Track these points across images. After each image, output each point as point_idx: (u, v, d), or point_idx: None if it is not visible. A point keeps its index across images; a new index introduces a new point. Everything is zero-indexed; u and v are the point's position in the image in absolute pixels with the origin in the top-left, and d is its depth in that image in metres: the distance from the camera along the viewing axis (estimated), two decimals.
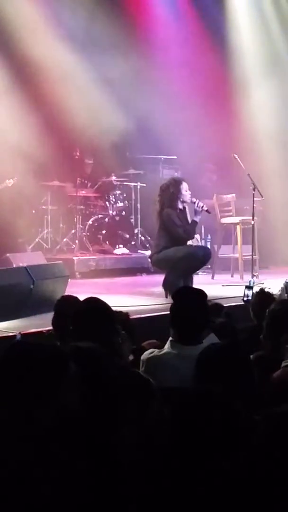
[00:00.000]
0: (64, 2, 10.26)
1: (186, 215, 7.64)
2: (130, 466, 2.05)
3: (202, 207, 7.50)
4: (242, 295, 6.42)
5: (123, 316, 4.09)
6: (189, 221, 7.59)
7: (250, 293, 5.91)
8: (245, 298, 5.99)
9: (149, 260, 7.90)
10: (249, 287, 6.05)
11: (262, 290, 5.34)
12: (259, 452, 1.95)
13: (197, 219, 7.57)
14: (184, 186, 7.53)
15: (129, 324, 4.08)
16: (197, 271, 8.48)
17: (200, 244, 9.12)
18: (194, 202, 7.51)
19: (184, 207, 7.60)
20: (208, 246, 10.21)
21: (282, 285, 6.29)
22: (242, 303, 6.38)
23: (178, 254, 7.28)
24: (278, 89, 11.21)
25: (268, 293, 5.23)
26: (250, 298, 5.76)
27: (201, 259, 7.56)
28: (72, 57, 10.40)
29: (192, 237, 7.54)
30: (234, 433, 1.95)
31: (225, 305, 6.08)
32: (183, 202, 7.54)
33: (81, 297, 4.33)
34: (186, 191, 7.53)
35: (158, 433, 2.12)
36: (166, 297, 7.16)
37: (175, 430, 2.01)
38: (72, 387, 2.28)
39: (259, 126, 11.22)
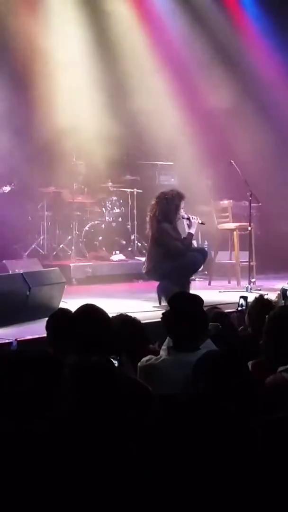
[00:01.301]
0: None
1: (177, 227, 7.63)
2: (129, 473, 2.05)
3: (197, 219, 7.54)
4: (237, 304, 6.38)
5: (132, 320, 4.05)
6: (180, 233, 7.57)
7: (244, 302, 5.88)
8: (239, 308, 5.97)
9: (144, 273, 7.86)
10: (243, 297, 6.02)
11: (261, 296, 5.33)
12: (257, 458, 1.95)
13: (192, 231, 7.56)
14: (184, 202, 7.54)
15: (139, 327, 4.04)
16: (194, 277, 8.51)
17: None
18: (188, 218, 7.52)
19: (178, 221, 7.59)
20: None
21: (279, 292, 6.29)
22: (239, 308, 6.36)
23: (172, 265, 7.29)
24: None
25: (267, 300, 5.23)
26: (244, 307, 5.74)
27: (196, 265, 7.60)
28: (65, 60, 10.44)
29: (189, 250, 7.52)
30: (229, 439, 1.95)
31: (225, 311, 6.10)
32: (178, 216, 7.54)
33: (78, 304, 4.32)
34: (182, 208, 7.53)
35: (156, 439, 2.12)
36: (160, 303, 7.15)
37: (172, 436, 2.01)
38: (66, 394, 2.27)
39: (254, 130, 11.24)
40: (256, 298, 5.26)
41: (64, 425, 2.16)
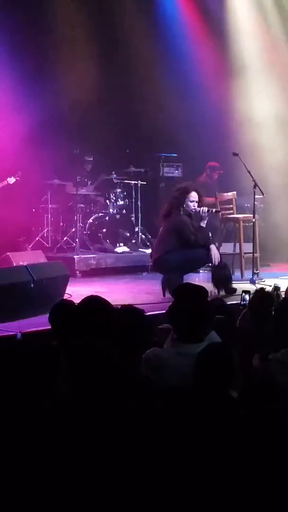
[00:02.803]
0: None
1: (193, 220, 7.61)
2: (130, 463, 2.06)
3: (208, 211, 7.51)
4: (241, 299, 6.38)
5: (137, 312, 4.05)
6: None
7: (247, 297, 5.89)
8: (242, 302, 5.97)
9: (150, 263, 7.87)
10: (246, 291, 6.02)
11: (261, 289, 5.35)
12: (258, 448, 1.96)
13: (203, 224, 7.55)
14: (191, 197, 7.51)
15: (144, 319, 4.04)
16: (198, 270, 8.52)
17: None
18: (199, 211, 7.49)
19: (189, 213, 7.57)
20: None
21: (272, 288, 6.30)
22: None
23: (179, 258, 7.29)
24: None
25: (268, 292, 5.24)
26: (247, 302, 5.75)
27: (200, 260, 7.62)
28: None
29: (201, 243, 7.51)
30: (231, 430, 1.96)
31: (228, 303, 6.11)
32: (185, 211, 7.52)
33: (82, 296, 4.34)
34: (191, 202, 7.50)
35: (158, 430, 2.13)
36: (164, 295, 7.16)
37: (175, 427, 2.02)
38: (64, 381, 2.29)
39: (260, 121, 11.22)
40: (256, 290, 5.27)
41: (62, 412, 2.17)
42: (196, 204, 7.51)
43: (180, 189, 7.58)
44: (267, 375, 2.98)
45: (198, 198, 7.56)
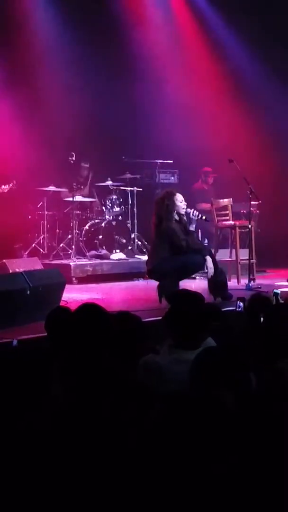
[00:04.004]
0: None
1: (184, 225, 7.59)
2: (128, 471, 2.06)
3: (198, 215, 7.50)
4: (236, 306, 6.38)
5: (133, 319, 4.04)
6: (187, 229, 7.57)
7: (241, 304, 5.90)
8: (237, 309, 5.98)
9: (147, 273, 7.86)
10: (240, 298, 6.04)
11: (257, 295, 5.36)
12: (256, 452, 1.96)
13: (192, 228, 7.54)
14: (178, 198, 7.50)
15: (140, 325, 4.03)
16: (194, 275, 8.52)
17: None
18: (189, 213, 7.49)
19: (180, 218, 7.56)
20: None
21: (272, 295, 6.30)
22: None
23: (175, 265, 7.29)
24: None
25: (263, 297, 5.25)
26: (242, 309, 5.76)
27: (196, 266, 7.62)
28: (66, 63, 10.48)
29: (193, 248, 7.49)
30: (229, 436, 1.96)
31: (222, 309, 6.11)
32: (178, 213, 7.51)
33: (78, 303, 4.34)
34: (180, 202, 7.50)
35: (156, 438, 2.13)
36: (160, 302, 7.16)
37: (172, 434, 2.02)
38: (57, 381, 2.28)
39: (256, 128, 11.27)
40: (252, 296, 5.28)
41: (58, 419, 2.17)
42: (185, 204, 7.52)
43: (166, 195, 7.57)
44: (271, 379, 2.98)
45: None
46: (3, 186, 9.53)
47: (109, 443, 2.17)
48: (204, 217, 7.65)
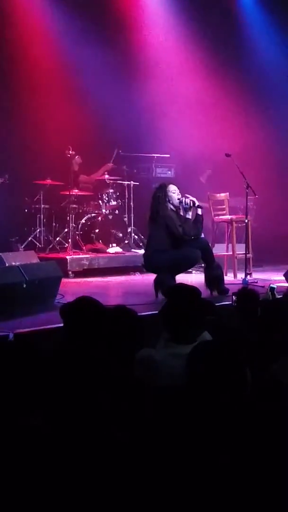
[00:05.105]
0: None
1: (180, 214, 7.59)
2: (123, 466, 2.06)
3: (191, 202, 7.48)
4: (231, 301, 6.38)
5: (129, 313, 4.03)
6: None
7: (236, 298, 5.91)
8: (233, 304, 5.98)
9: (143, 266, 7.85)
10: (235, 293, 6.04)
11: (245, 288, 5.37)
12: (250, 444, 1.96)
13: (188, 215, 7.52)
14: (171, 188, 7.49)
15: (136, 319, 4.03)
16: (191, 270, 8.52)
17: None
18: (182, 202, 7.48)
19: (176, 208, 7.55)
20: None
21: (268, 290, 6.31)
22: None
23: (171, 259, 7.29)
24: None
25: (251, 290, 5.27)
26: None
27: (192, 260, 7.61)
28: (65, 57, 10.46)
29: (189, 235, 7.48)
30: (225, 428, 1.96)
31: (218, 303, 6.13)
32: (172, 204, 7.51)
33: (74, 296, 4.33)
34: (173, 192, 7.49)
35: (151, 430, 2.13)
36: (156, 296, 7.16)
37: (168, 427, 2.02)
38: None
39: (252, 124, 11.27)
40: (239, 290, 5.30)
41: (55, 413, 2.17)
42: (179, 194, 7.51)
43: (158, 188, 7.61)
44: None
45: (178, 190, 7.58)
46: None
47: (106, 436, 2.17)
48: (197, 204, 7.61)
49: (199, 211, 7.57)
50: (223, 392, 2.17)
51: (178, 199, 7.46)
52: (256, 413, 2.12)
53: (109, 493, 2.01)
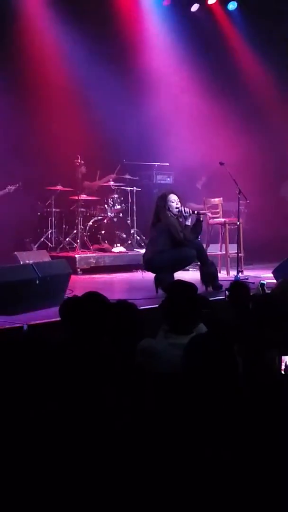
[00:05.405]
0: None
1: (180, 220, 7.58)
2: (124, 451, 2.04)
3: (189, 211, 7.50)
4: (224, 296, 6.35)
5: (131, 307, 4.01)
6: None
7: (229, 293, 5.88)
8: (226, 298, 5.97)
9: (143, 263, 7.82)
10: (228, 289, 6.02)
11: (237, 282, 5.35)
12: (243, 431, 1.94)
13: (188, 222, 7.55)
14: (171, 198, 7.50)
15: (138, 313, 4.00)
16: (188, 268, 8.50)
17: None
18: (181, 211, 7.48)
19: (176, 216, 7.55)
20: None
21: (259, 286, 6.29)
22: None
23: (169, 259, 7.29)
24: None
25: (243, 284, 5.25)
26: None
27: (188, 260, 7.61)
28: (76, 75, 10.44)
29: (189, 239, 7.48)
30: (219, 411, 1.94)
31: (212, 298, 6.11)
32: (171, 212, 7.50)
33: (82, 291, 4.32)
34: (172, 202, 7.49)
35: (152, 414, 2.11)
36: (156, 292, 7.14)
37: (167, 409, 2.00)
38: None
39: (243, 136, 11.25)
40: (231, 284, 5.28)
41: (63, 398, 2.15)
42: (178, 204, 7.51)
43: (160, 196, 7.63)
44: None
45: (178, 199, 7.56)
46: (9, 187, 9.59)
47: (106, 420, 2.15)
48: (196, 212, 7.63)
49: (201, 218, 7.62)
50: (217, 380, 2.15)
51: (177, 208, 7.47)
52: (248, 398, 2.11)
53: (113, 474, 1.99)
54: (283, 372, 3.16)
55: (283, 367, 3.21)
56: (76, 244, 10.10)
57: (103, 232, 10.37)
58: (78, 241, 10.05)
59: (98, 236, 10.36)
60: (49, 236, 10.36)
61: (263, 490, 1.86)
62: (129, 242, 10.65)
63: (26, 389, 2.16)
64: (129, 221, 10.80)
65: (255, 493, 1.85)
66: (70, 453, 2.00)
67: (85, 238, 10.24)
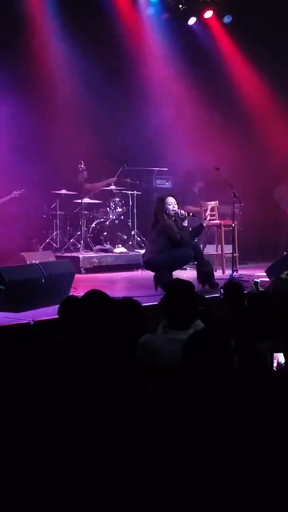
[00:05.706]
0: None
1: (178, 222, 7.58)
2: (126, 444, 2.03)
3: (185, 213, 7.50)
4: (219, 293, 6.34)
5: (134, 303, 4.00)
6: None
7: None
8: (222, 296, 5.96)
9: (143, 263, 7.82)
10: (223, 287, 6.01)
11: (231, 281, 5.35)
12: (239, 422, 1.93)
13: (185, 223, 7.55)
14: (168, 201, 7.50)
15: (139, 309, 3.99)
16: (185, 267, 8.50)
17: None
18: (177, 213, 7.49)
19: (174, 217, 7.55)
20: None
21: (252, 284, 6.28)
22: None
23: (168, 258, 7.29)
24: None
25: (237, 283, 5.25)
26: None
27: (186, 259, 7.62)
28: (81, 87, 10.44)
29: (186, 240, 7.48)
30: (216, 405, 1.94)
31: (208, 296, 6.11)
32: (168, 214, 7.51)
33: (86, 289, 4.32)
34: (169, 204, 7.49)
35: (152, 405, 2.11)
36: (156, 289, 7.14)
37: (166, 403, 2.00)
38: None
39: (238, 143, 11.25)
40: (226, 283, 5.28)
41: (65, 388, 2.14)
42: (175, 206, 7.51)
43: (158, 200, 7.66)
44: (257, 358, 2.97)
45: (176, 201, 7.56)
46: (15, 192, 9.61)
47: (107, 410, 2.14)
48: (191, 214, 7.64)
49: (203, 223, 7.67)
50: (215, 373, 2.15)
51: (173, 210, 7.47)
52: (243, 389, 2.10)
53: (113, 459, 1.99)
54: (275, 369, 3.15)
55: (275, 364, 3.20)
56: (79, 245, 10.10)
57: (105, 233, 10.36)
58: (82, 242, 10.05)
59: (101, 237, 10.36)
60: (54, 237, 10.36)
61: (260, 477, 1.85)
62: (130, 243, 10.65)
63: (32, 379, 2.16)
64: (129, 223, 10.80)
65: (253, 480, 1.85)
66: (75, 442, 2.00)
67: (88, 239, 10.24)
